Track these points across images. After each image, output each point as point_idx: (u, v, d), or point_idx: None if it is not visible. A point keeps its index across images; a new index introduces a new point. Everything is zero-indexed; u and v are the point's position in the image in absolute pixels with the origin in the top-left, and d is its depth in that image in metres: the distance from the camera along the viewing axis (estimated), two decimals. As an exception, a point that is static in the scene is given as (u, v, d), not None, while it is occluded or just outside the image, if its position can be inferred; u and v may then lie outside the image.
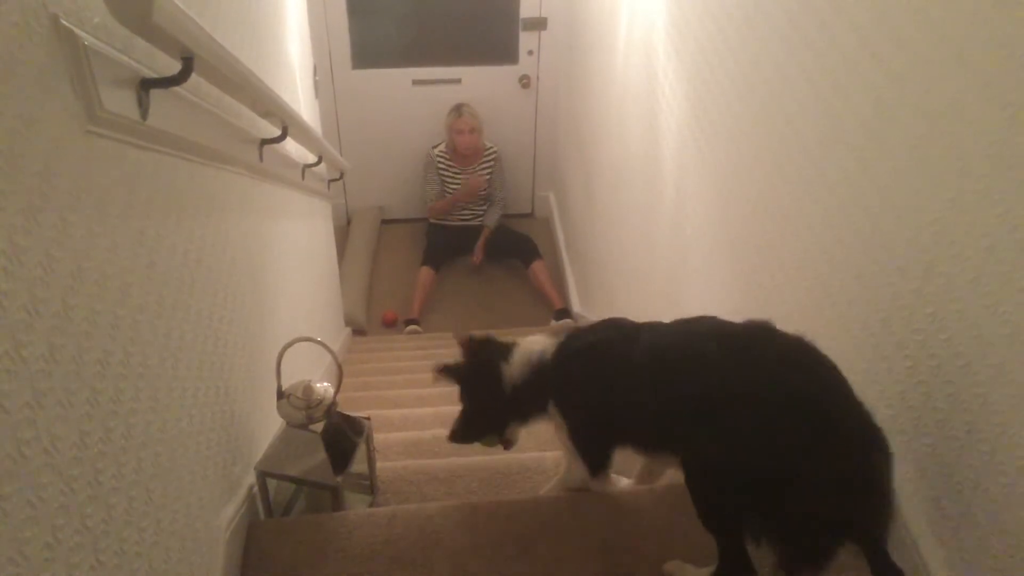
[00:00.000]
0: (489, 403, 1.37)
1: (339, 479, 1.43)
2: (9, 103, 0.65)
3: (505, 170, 4.68)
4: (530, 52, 4.51)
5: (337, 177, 3.26)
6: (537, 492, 1.56)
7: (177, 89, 1.04)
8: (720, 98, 1.73)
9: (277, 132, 1.75)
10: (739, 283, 1.64)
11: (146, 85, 0.95)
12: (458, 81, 4.55)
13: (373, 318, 4.30)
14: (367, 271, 4.50)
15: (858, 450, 0.90)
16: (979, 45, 0.87)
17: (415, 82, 4.53)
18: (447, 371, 1.40)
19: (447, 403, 2.42)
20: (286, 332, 1.82)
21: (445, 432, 1.95)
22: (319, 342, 1.50)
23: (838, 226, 1.21)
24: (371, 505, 1.59)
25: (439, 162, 4.46)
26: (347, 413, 1.56)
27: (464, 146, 4.34)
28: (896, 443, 0.91)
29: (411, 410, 2.34)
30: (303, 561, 1.29)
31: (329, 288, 3.23)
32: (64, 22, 0.75)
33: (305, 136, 2.10)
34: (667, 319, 1.24)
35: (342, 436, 1.51)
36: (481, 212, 4.58)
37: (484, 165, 4.49)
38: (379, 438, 1.90)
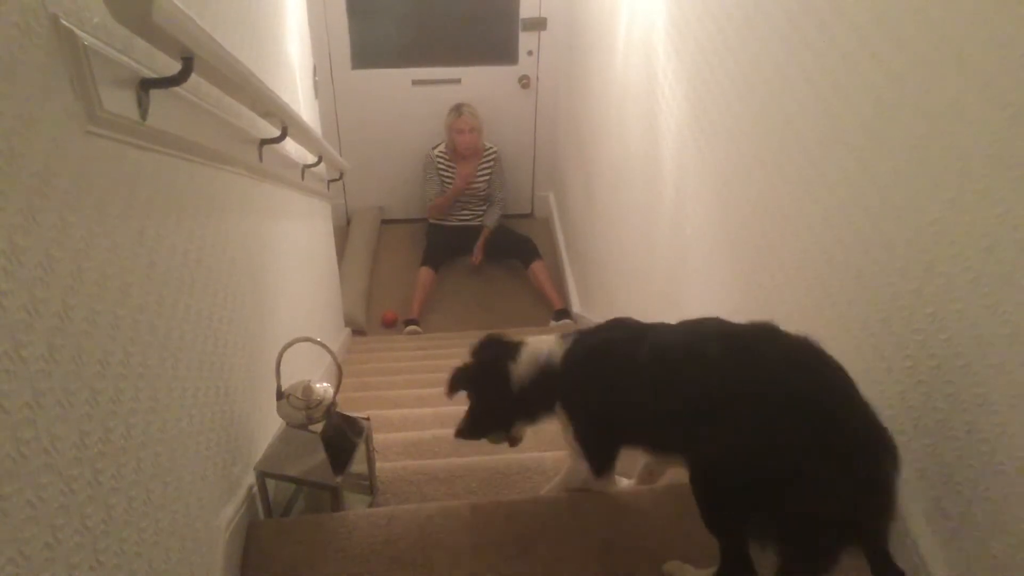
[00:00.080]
0: (497, 402, 1.37)
1: (339, 479, 1.43)
2: (9, 103, 0.65)
3: (505, 170, 4.68)
4: (530, 52, 4.51)
5: (337, 177, 3.26)
6: (537, 492, 1.56)
7: (177, 89, 1.04)
8: (720, 98, 1.73)
9: (277, 132, 1.75)
10: (739, 283, 1.64)
11: (146, 85, 0.95)
12: (458, 81, 4.55)
13: (373, 318, 4.30)
14: (367, 271, 4.50)
15: (864, 451, 0.89)
16: (979, 45, 0.87)
17: (415, 82, 4.53)
18: (456, 379, 1.40)
19: (447, 403, 2.42)
20: (286, 332, 1.82)
21: (445, 432, 1.96)
22: (319, 342, 1.50)
23: (838, 226, 1.21)
24: (371, 505, 1.59)
25: (439, 162, 4.46)
26: (347, 413, 1.56)
27: (464, 146, 4.34)
28: (896, 443, 0.90)
29: (411, 410, 2.34)
30: (303, 561, 1.29)
31: (329, 288, 3.23)
32: (64, 22, 0.75)
33: (305, 136, 2.10)
34: (667, 319, 1.24)
35: (342, 436, 1.51)
36: (481, 212, 4.58)
37: (484, 165, 4.49)
38: (379, 438, 1.90)
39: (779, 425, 0.91)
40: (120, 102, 0.87)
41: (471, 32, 4.55)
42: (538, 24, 4.40)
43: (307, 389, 1.44)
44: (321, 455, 1.42)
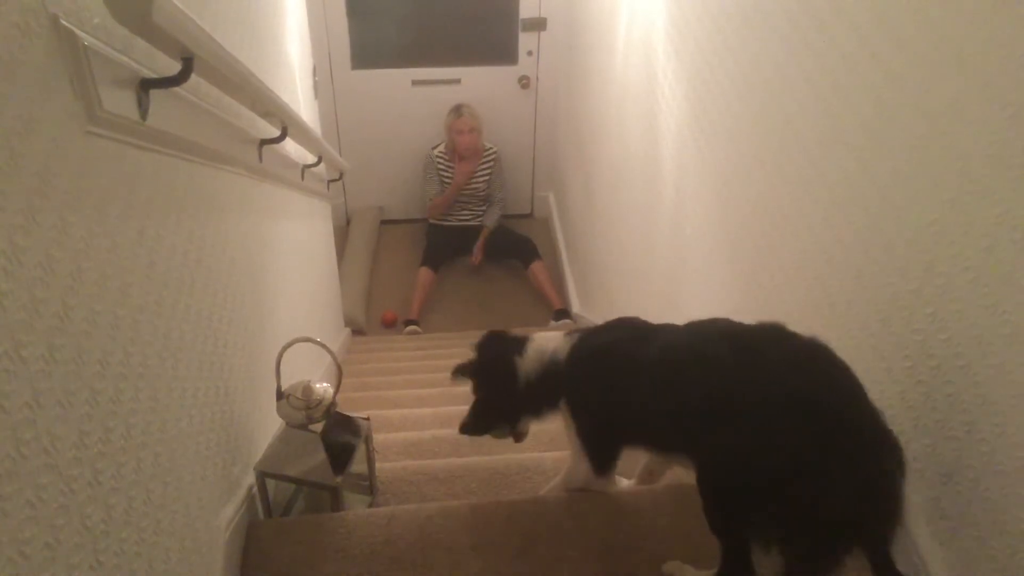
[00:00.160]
0: (503, 396, 1.37)
1: (338, 479, 1.43)
2: (9, 103, 0.65)
3: (504, 170, 4.68)
4: (529, 52, 4.51)
5: (336, 177, 3.26)
6: (537, 492, 1.56)
7: (177, 89, 1.04)
8: (720, 98, 1.73)
9: (276, 132, 1.75)
10: (738, 283, 1.64)
11: (146, 85, 0.95)
12: (457, 81, 4.55)
13: (372, 318, 4.30)
14: (367, 271, 4.50)
15: (870, 453, 0.89)
16: (979, 45, 0.87)
17: (414, 82, 4.53)
18: (462, 370, 1.41)
19: (447, 404, 2.42)
20: (286, 332, 1.82)
21: (445, 432, 1.97)
22: (318, 342, 1.50)
23: (838, 226, 1.21)
24: (370, 505, 1.59)
25: (439, 163, 4.46)
26: (346, 413, 1.56)
27: (464, 146, 4.34)
28: (902, 447, 0.90)
29: (410, 410, 2.34)
30: (302, 561, 1.29)
31: (329, 288, 3.23)
32: (64, 22, 0.75)
33: (304, 136, 2.10)
34: (666, 320, 1.24)
35: (341, 436, 1.51)
36: (480, 212, 4.58)
37: (483, 165, 4.49)
38: (378, 438, 1.90)
39: (786, 426, 0.91)
40: (120, 102, 0.87)
41: (471, 32, 4.55)
42: (538, 24, 4.40)
43: (307, 389, 1.44)
44: (321, 455, 1.42)
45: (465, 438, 1.90)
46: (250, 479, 1.41)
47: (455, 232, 4.56)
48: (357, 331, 4.08)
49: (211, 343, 1.23)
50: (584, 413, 1.30)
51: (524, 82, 4.59)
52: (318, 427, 1.44)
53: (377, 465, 1.64)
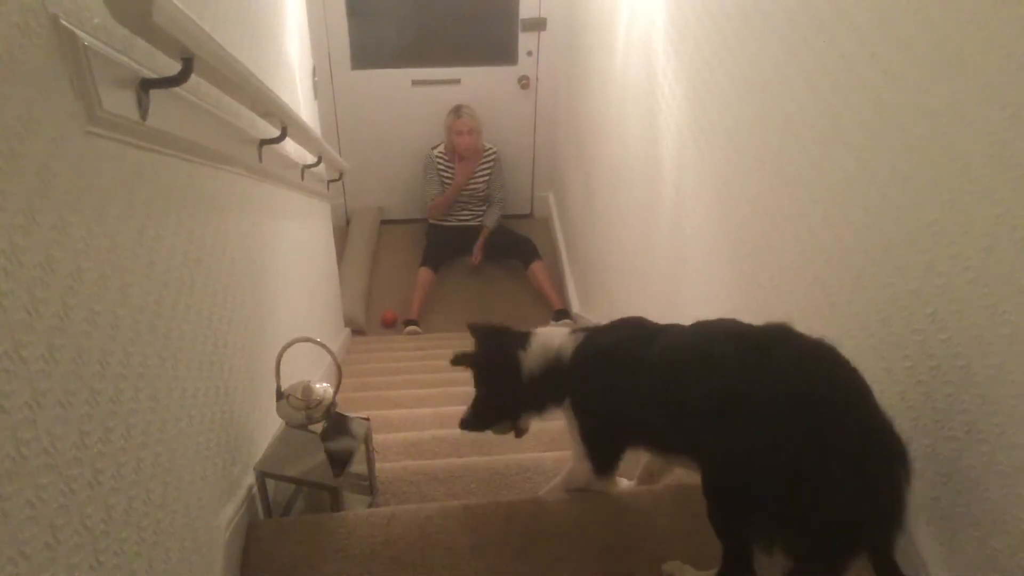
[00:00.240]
0: (506, 390, 1.35)
1: (338, 479, 1.43)
2: (9, 103, 0.65)
3: (504, 171, 4.68)
4: (529, 53, 4.51)
5: (336, 178, 3.26)
6: (537, 492, 1.56)
7: (177, 90, 1.04)
8: (720, 98, 1.73)
9: (276, 132, 1.75)
10: (738, 283, 1.64)
11: (146, 85, 0.95)
12: (457, 82, 4.55)
13: (372, 318, 4.30)
14: (366, 271, 4.50)
15: (876, 456, 0.89)
16: (979, 45, 0.87)
17: (414, 83, 4.53)
18: (462, 359, 1.39)
19: (446, 404, 2.42)
20: (285, 332, 1.82)
21: (444, 433, 1.97)
22: (318, 342, 1.50)
23: (837, 226, 1.21)
24: (370, 505, 1.59)
25: (439, 163, 4.46)
26: (346, 413, 1.56)
27: (463, 147, 4.34)
28: (908, 450, 0.90)
29: (410, 411, 2.34)
30: (302, 561, 1.29)
31: (328, 288, 3.23)
32: (64, 22, 0.75)
33: (304, 136, 2.10)
34: (666, 320, 1.24)
35: (341, 436, 1.51)
36: (480, 213, 4.58)
37: (483, 166, 4.49)
38: (378, 439, 1.90)
39: (791, 427, 0.91)
40: (120, 102, 0.87)
41: (471, 32, 4.55)
42: (538, 24, 4.40)
43: (307, 389, 1.44)
44: (321, 455, 1.42)
45: (465, 438, 1.91)
46: (250, 479, 1.41)
47: (455, 232, 4.56)
48: (357, 331, 4.08)
49: (211, 343, 1.23)
50: (588, 412, 1.29)
51: (524, 82, 4.59)
52: (318, 427, 1.44)
53: (377, 465, 1.64)
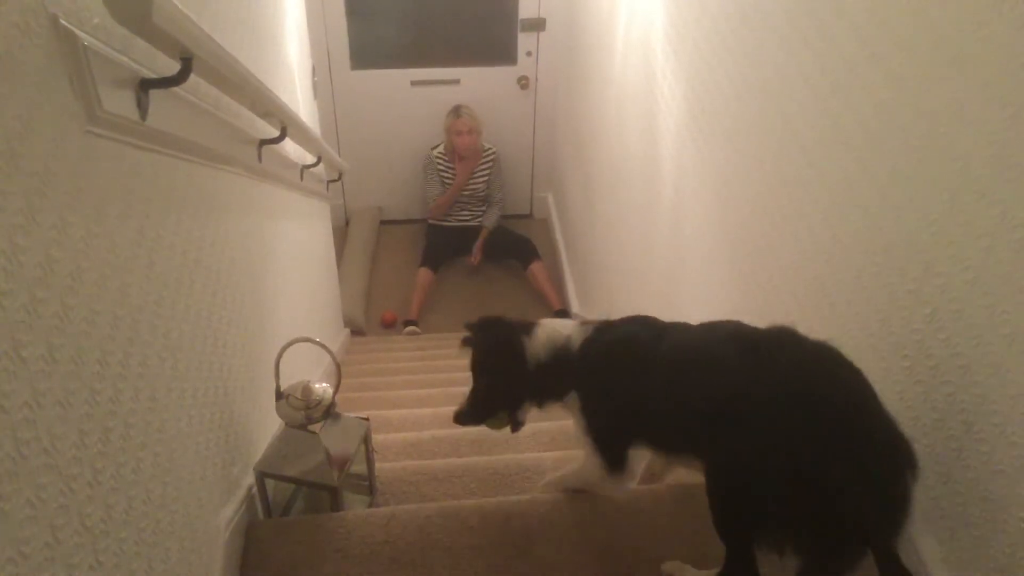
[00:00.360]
0: (509, 377, 1.31)
1: (338, 479, 1.43)
2: (9, 103, 0.65)
3: (504, 171, 4.68)
4: (528, 53, 4.51)
5: (336, 178, 3.26)
6: (536, 493, 1.55)
7: (176, 89, 1.04)
8: (719, 98, 1.74)
9: (276, 133, 1.75)
10: (737, 283, 1.64)
11: (145, 85, 0.95)
12: (456, 82, 4.55)
13: (372, 319, 4.30)
14: (366, 272, 4.50)
15: (881, 457, 0.89)
16: (979, 45, 0.88)
17: (413, 83, 4.53)
18: (469, 341, 1.36)
19: (446, 404, 2.42)
20: (285, 332, 1.82)
21: (444, 433, 1.96)
22: (318, 343, 1.50)
23: (836, 227, 1.21)
24: (370, 505, 1.59)
25: (439, 163, 4.46)
26: (346, 414, 1.56)
27: (463, 147, 4.34)
28: (915, 451, 0.91)
29: (410, 411, 2.34)
30: (302, 561, 1.29)
31: (328, 289, 3.23)
32: (64, 22, 0.75)
33: (304, 137, 2.10)
34: (666, 320, 1.24)
35: (340, 436, 1.51)
36: (480, 213, 4.58)
37: (483, 166, 4.49)
38: (378, 439, 1.90)
39: (794, 429, 0.91)
40: (119, 102, 0.87)
41: (470, 33, 4.55)
42: (537, 25, 4.40)
43: (306, 389, 1.44)
44: (320, 455, 1.42)
45: (465, 438, 1.91)
46: (249, 479, 1.41)
47: (454, 232, 4.56)
48: (356, 331, 4.08)
49: (210, 343, 1.23)
50: (596, 406, 1.25)
51: (523, 82, 4.59)
52: (317, 427, 1.44)
53: (376, 465, 1.64)
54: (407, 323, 4.19)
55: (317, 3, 4.08)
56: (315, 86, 3.17)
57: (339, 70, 4.42)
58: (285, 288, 2.00)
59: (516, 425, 1.39)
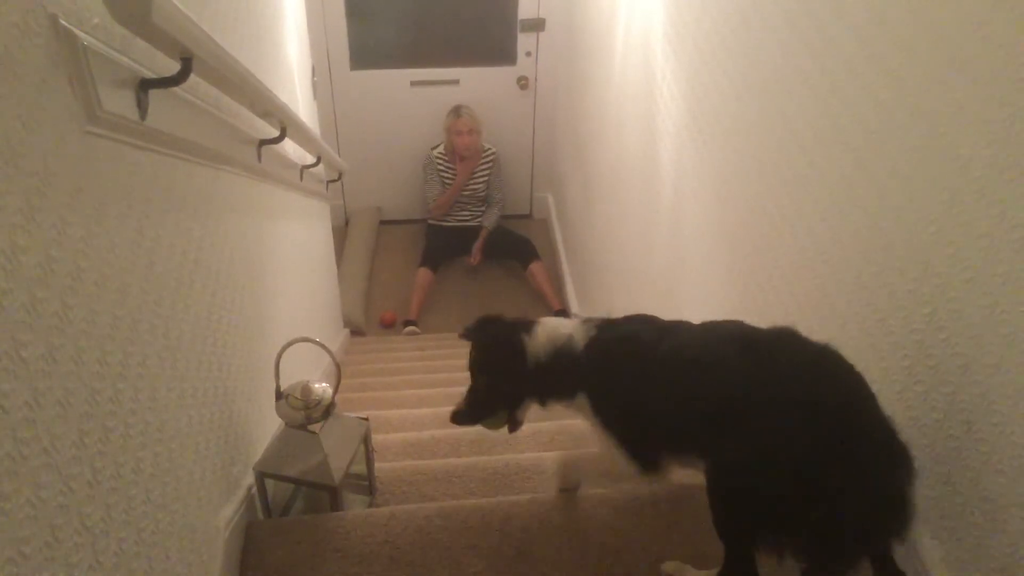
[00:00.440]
0: (508, 377, 1.28)
1: (337, 479, 1.43)
2: (8, 103, 0.65)
3: (503, 171, 4.68)
4: (528, 53, 4.51)
5: (335, 178, 3.26)
6: (535, 493, 1.55)
7: (176, 89, 1.04)
8: (718, 99, 1.74)
9: (275, 133, 1.75)
10: (737, 283, 1.64)
11: (145, 85, 0.95)
12: (456, 82, 4.55)
13: (371, 319, 4.30)
14: (365, 272, 4.50)
15: (880, 462, 0.89)
16: (979, 45, 0.88)
17: (413, 83, 4.53)
18: (467, 334, 1.34)
19: (445, 404, 2.42)
20: (285, 333, 1.82)
21: (443, 433, 1.96)
22: (317, 343, 1.50)
23: (836, 227, 1.21)
24: (369, 505, 1.59)
25: (438, 163, 4.46)
26: (346, 414, 1.56)
27: (463, 147, 4.34)
28: (913, 456, 0.91)
29: (409, 411, 2.34)
30: (301, 561, 1.29)
31: (327, 289, 3.23)
32: (63, 22, 0.75)
33: (303, 137, 2.10)
34: (666, 319, 1.24)
35: (340, 436, 1.51)
36: (479, 213, 4.58)
37: (483, 166, 4.49)
38: (377, 439, 1.90)
39: (795, 432, 0.91)
40: (119, 102, 0.87)
41: (469, 33, 4.55)
42: (536, 25, 4.40)
43: (306, 389, 1.44)
44: (320, 455, 1.42)
45: (464, 438, 1.91)
46: (249, 479, 1.41)
47: (454, 233, 4.56)
48: (356, 332, 4.08)
49: (210, 343, 1.23)
50: (611, 408, 1.21)
51: (523, 83, 4.59)
52: (317, 427, 1.44)
53: (376, 465, 1.64)
54: (407, 323, 4.19)
55: (317, 3, 4.08)
56: (315, 86, 3.17)
57: (339, 70, 4.42)
58: (285, 288, 2.00)
59: (514, 425, 1.37)
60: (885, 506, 0.89)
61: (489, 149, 4.52)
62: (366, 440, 1.56)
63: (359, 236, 4.69)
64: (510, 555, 1.29)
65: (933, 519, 1.03)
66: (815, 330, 0.99)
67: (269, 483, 1.45)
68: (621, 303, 2.88)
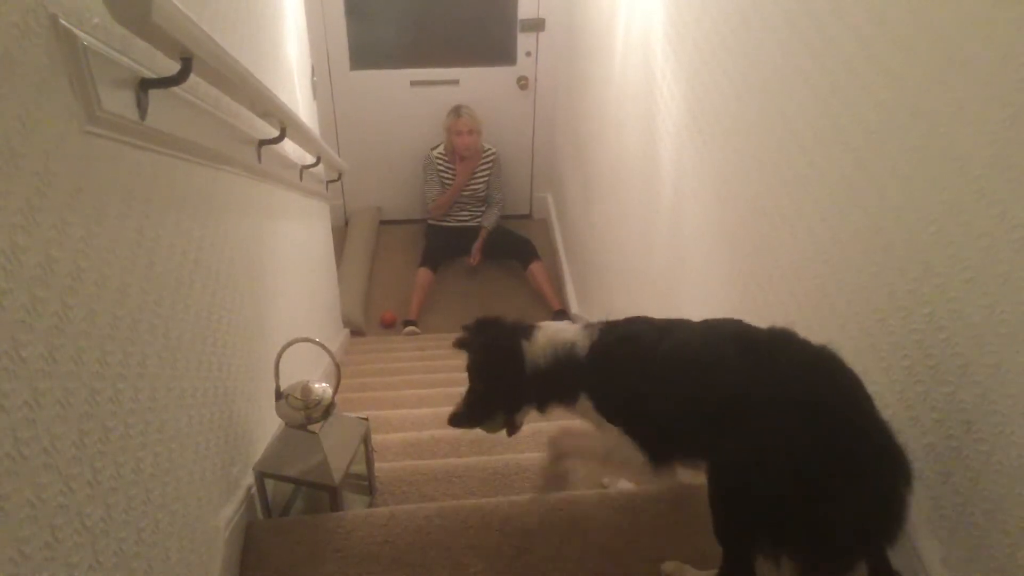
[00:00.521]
0: (506, 383, 1.28)
1: (337, 479, 1.43)
2: (8, 103, 0.65)
3: (503, 171, 4.68)
4: (528, 53, 4.51)
5: (335, 178, 3.26)
6: (535, 492, 1.55)
7: (176, 89, 1.04)
8: (718, 99, 1.74)
9: (275, 133, 1.75)
10: (737, 283, 1.64)
11: (145, 85, 0.95)
12: (456, 82, 4.55)
13: (371, 319, 4.30)
14: (365, 272, 4.50)
15: (877, 464, 0.89)
16: (979, 45, 0.88)
17: (413, 83, 4.53)
18: (462, 342, 1.34)
19: (445, 404, 2.42)
20: (284, 332, 1.82)
21: (443, 433, 1.96)
22: (317, 343, 1.50)
23: (836, 227, 1.21)
24: (369, 505, 1.59)
25: (438, 163, 4.46)
26: (345, 414, 1.56)
27: (463, 147, 4.34)
28: (910, 459, 0.91)
29: (409, 411, 2.34)
30: (301, 561, 1.29)
31: (327, 289, 3.23)
32: (63, 22, 0.75)
33: (303, 137, 2.10)
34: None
35: (340, 436, 1.51)
36: (479, 213, 4.58)
37: (483, 166, 4.49)
38: (377, 439, 1.90)
39: (794, 433, 0.91)
40: (119, 102, 0.87)
41: (469, 33, 4.55)
42: (536, 25, 4.40)
43: (306, 389, 1.44)
44: (320, 455, 1.42)
45: (464, 438, 1.91)
46: (249, 479, 1.41)
47: (454, 233, 4.56)
48: (356, 332, 4.08)
49: (210, 343, 1.23)
50: (616, 408, 1.20)
51: (523, 83, 4.59)
52: (317, 427, 1.44)
53: (376, 465, 1.64)
54: (406, 323, 4.19)
55: (317, 3, 4.08)
56: (314, 86, 3.17)
57: (338, 70, 4.42)
58: (284, 288, 2.00)
59: (512, 428, 1.36)
60: (882, 507, 0.89)
61: (489, 149, 4.52)
62: (366, 440, 1.56)
63: (359, 236, 4.69)
64: (510, 555, 1.29)
65: (933, 519, 1.02)
66: (815, 330, 0.99)
67: (269, 483, 1.45)
68: (621, 303, 2.88)
